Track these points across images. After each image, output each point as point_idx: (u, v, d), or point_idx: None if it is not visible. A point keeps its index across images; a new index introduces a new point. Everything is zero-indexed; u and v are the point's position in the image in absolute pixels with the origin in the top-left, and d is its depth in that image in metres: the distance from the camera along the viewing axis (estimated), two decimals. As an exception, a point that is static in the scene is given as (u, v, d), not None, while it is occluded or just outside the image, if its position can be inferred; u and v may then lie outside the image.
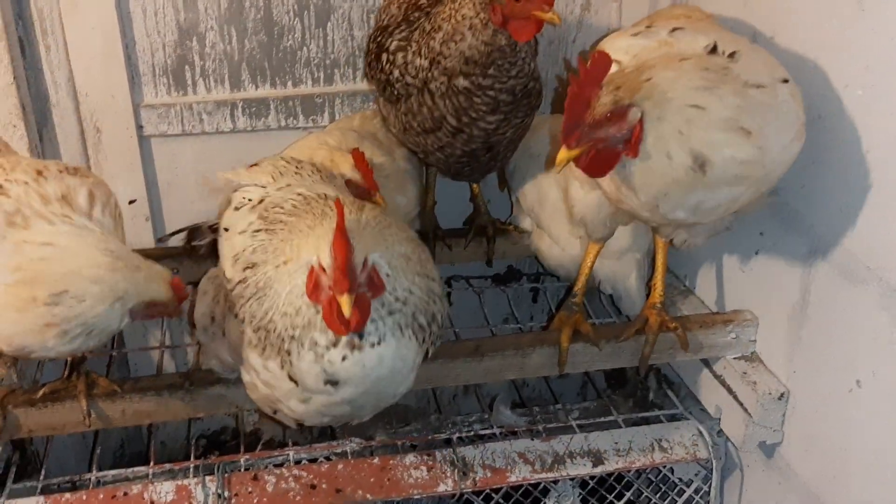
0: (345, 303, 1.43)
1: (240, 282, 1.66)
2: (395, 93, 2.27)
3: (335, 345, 1.52)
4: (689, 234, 2.02)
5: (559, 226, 2.43)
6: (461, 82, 2.09)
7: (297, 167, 2.01)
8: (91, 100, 2.60)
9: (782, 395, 2.05)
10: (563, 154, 1.56)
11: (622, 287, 2.44)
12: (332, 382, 1.54)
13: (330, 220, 1.56)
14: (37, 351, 1.67)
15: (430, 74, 2.14)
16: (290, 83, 2.75)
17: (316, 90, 2.77)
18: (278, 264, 1.59)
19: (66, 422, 1.92)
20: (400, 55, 2.22)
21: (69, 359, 1.97)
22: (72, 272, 1.63)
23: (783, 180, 1.97)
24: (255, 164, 2.06)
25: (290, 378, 1.57)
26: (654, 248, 2.21)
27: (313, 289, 1.51)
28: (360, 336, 1.53)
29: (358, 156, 2.13)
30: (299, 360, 1.54)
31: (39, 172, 1.75)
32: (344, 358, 1.52)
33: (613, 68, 1.66)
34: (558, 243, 2.47)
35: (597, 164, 1.60)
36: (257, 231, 1.73)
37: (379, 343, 1.54)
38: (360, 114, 2.71)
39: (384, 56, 2.27)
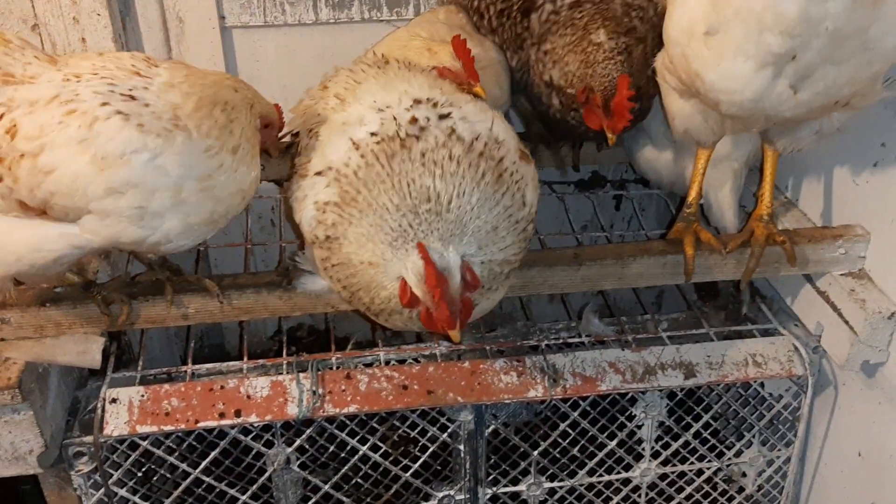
0: (455, 335, 1.56)
1: (322, 250, 1.68)
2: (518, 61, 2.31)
3: None
4: (795, 136, 1.91)
5: (659, 127, 2.34)
6: (555, 102, 2.18)
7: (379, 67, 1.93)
8: (174, -12, 2.53)
9: (893, 314, 1.97)
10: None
11: (713, 197, 2.34)
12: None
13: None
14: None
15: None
16: (375, -28, 2.64)
17: (402, -20, 2.66)
18: (363, 261, 1.62)
19: (166, 316, 1.94)
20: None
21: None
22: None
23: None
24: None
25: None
26: (761, 158, 2.11)
27: (409, 301, 1.59)
28: None
29: (459, 43, 2.03)
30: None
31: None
32: None
33: None
34: (653, 144, 2.39)
35: None
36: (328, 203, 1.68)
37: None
38: (445, 8, 2.59)
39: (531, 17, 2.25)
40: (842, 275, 2.09)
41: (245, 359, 2.14)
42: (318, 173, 1.68)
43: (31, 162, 1.55)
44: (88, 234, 1.61)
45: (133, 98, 1.59)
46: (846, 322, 2.03)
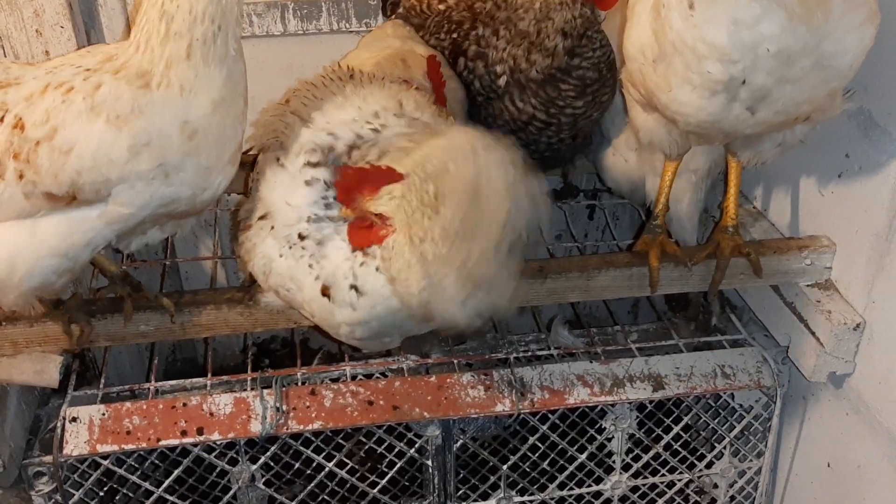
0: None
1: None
2: (476, 100, 2.24)
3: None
4: (758, 149, 1.90)
5: (618, 134, 2.35)
6: (562, 60, 2.09)
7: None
8: (139, -1, 2.51)
9: (858, 325, 1.96)
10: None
11: (673, 209, 2.32)
12: (357, 289, 1.55)
13: None
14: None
15: (526, 57, 2.12)
16: (343, -17, 2.62)
17: (370, -9, 2.64)
18: None
19: (125, 333, 1.91)
20: (480, 63, 2.18)
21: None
22: None
23: (875, 99, 1.85)
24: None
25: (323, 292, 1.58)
26: (726, 169, 2.10)
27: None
28: None
29: (434, 64, 2.02)
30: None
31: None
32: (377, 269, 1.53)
33: None
34: (614, 154, 2.39)
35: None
36: None
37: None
38: (391, 23, 2.58)
39: (461, 60, 2.23)
40: (808, 286, 2.08)
41: (209, 375, 2.11)
42: (262, 217, 1.69)
43: (48, 146, 1.56)
44: (122, 206, 1.61)
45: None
46: (812, 333, 2.03)
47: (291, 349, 3.15)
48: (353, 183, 1.50)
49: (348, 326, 1.62)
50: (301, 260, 1.61)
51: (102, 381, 2.08)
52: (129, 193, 1.60)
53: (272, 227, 1.65)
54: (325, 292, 1.58)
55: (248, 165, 2.00)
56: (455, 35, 2.27)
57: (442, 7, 2.38)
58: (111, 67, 1.58)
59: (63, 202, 1.60)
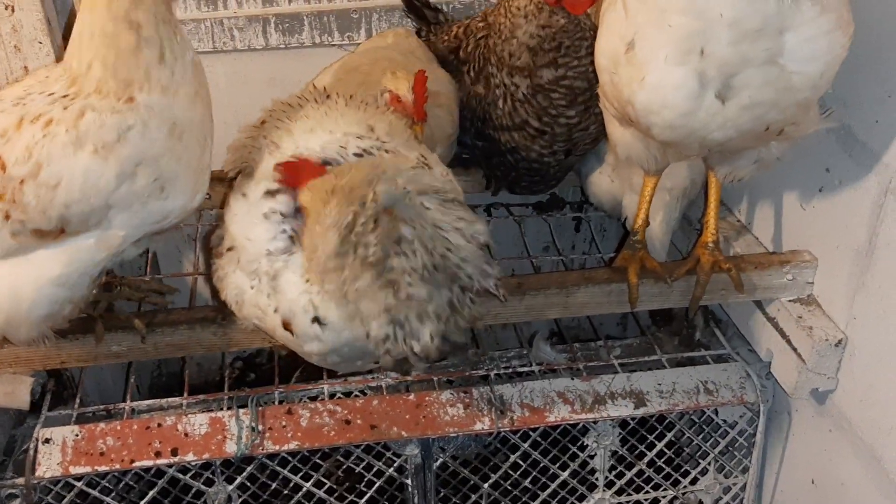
0: None
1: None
2: (491, 73, 2.22)
3: None
4: (735, 164, 1.88)
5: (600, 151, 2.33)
6: (544, 75, 2.07)
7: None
8: (118, 15, 2.49)
9: (840, 341, 1.94)
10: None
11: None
12: (319, 320, 1.52)
13: None
14: None
15: (510, 81, 2.12)
16: (324, -4, 2.61)
17: (352, 4, 2.62)
18: None
19: (97, 354, 1.89)
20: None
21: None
22: None
23: (855, 114, 1.83)
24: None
25: (284, 326, 1.56)
26: (706, 185, 2.08)
27: None
28: None
29: (421, 79, 1.99)
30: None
31: None
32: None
33: None
34: (596, 169, 2.38)
35: None
36: None
37: None
38: (393, 31, 2.56)
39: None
40: (790, 301, 2.06)
41: (185, 394, 2.09)
42: (230, 249, 1.67)
43: (33, 183, 1.53)
44: (120, 229, 1.60)
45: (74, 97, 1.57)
46: (794, 349, 2.00)
47: (276, 363, 3.14)
48: (293, 174, 1.53)
49: (319, 355, 1.60)
50: (262, 292, 1.60)
51: (77, 400, 2.06)
52: (124, 216, 1.59)
53: (238, 261, 1.64)
54: (287, 327, 1.56)
55: (227, 182, 1.99)
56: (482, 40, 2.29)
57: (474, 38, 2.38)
58: (90, 87, 1.55)
59: (51, 237, 1.59)
